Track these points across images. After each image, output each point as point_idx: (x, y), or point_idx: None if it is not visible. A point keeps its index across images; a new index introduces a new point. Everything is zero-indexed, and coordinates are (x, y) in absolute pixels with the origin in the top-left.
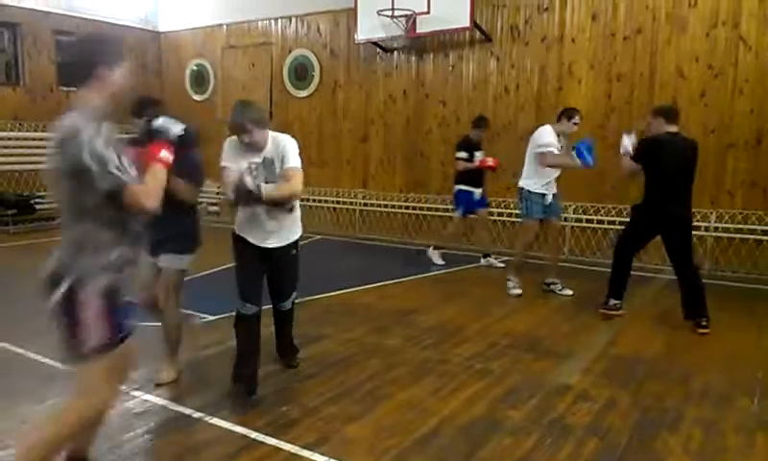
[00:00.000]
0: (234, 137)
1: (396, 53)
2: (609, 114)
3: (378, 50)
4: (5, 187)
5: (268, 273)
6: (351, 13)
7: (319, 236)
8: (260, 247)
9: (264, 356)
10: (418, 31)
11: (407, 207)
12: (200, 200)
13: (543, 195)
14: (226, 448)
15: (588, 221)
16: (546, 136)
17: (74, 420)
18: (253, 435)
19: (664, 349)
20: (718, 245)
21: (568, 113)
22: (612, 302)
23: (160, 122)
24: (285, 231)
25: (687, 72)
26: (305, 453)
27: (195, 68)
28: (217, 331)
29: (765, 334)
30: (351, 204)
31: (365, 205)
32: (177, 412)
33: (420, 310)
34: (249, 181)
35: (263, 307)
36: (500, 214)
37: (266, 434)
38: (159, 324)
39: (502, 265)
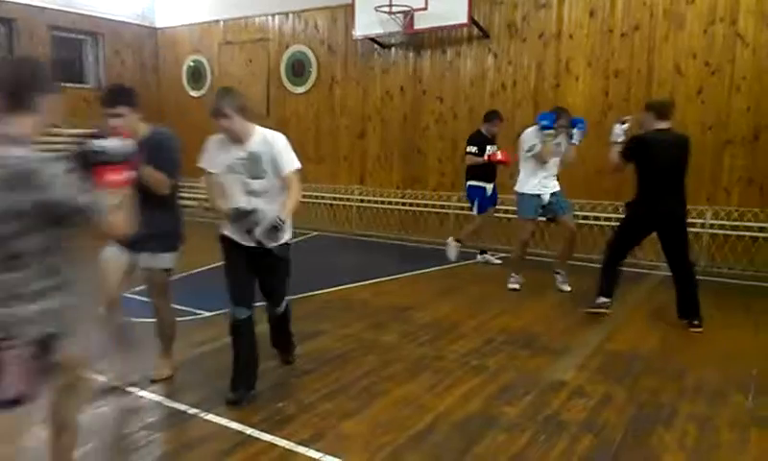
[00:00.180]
0: (216, 136)
1: (393, 49)
2: (606, 111)
3: (376, 46)
4: None
5: (258, 274)
6: (349, 9)
7: (316, 233)
8: (248, 247)
9: (260, 352)
10: (415, 27)
11: (404, 204)
12: (181, 194)
13: (538, 195)
14: (221, 444)
15: (584, 218)
16: (529, 140)
17: None
18: (249, 431)
19: (660, 345)
20: (714, 242)
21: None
22: (602, 300)
23: (104, 144)
24: None
25: (685, 69)
26: (301, 449)
27: (192, 64)
28: (213, 328)
29: (761, 331)
30: (348, 200)
31: (362, 201)
32: (172, 408)
33: (417, 307)
34: (244, 202)
35: (258, 304)
36: (496, 211)
37: (261, 430)
38: (154, 320)
39: (499, 262)
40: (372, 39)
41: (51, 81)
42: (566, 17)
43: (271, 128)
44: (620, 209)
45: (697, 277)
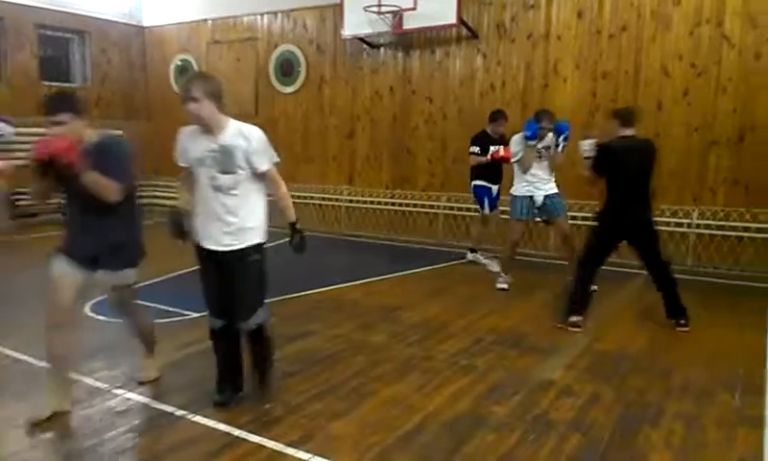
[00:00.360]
0: (188, 127)
1: (382, 49)
2: (594, 112)
3: (365, 46)
4: None
5: (226, 282)
6: (338, 9)
7: (305, 233)
8: (214, 252)
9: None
10: (404, 27)
11: (393, 204)
12: (140, 201)
13: (530, 197)
14: (208, 445)
15: (572, 218)
16: (515, 146)
17: None
18: (236, 433)
19: (647, 344)
20: (700, 241)
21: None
22: (575, 318)
23: None
24: (239, 232)
25: (671, 70)
26: (289, 451)
27: (180, 63)
28: (200, 329)
29: (746, 330)
30: (337, 200)
31: (351, 201)
32: (159, 410)
33: (406, 307)
34: (211, 198)
35: None
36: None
37: (249, 432)
38: (132, 327)
39: (487, 262)
40: (362, 39)
41: None
42: (555, 18)
43: (259, 127)
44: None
45: (675, 275)
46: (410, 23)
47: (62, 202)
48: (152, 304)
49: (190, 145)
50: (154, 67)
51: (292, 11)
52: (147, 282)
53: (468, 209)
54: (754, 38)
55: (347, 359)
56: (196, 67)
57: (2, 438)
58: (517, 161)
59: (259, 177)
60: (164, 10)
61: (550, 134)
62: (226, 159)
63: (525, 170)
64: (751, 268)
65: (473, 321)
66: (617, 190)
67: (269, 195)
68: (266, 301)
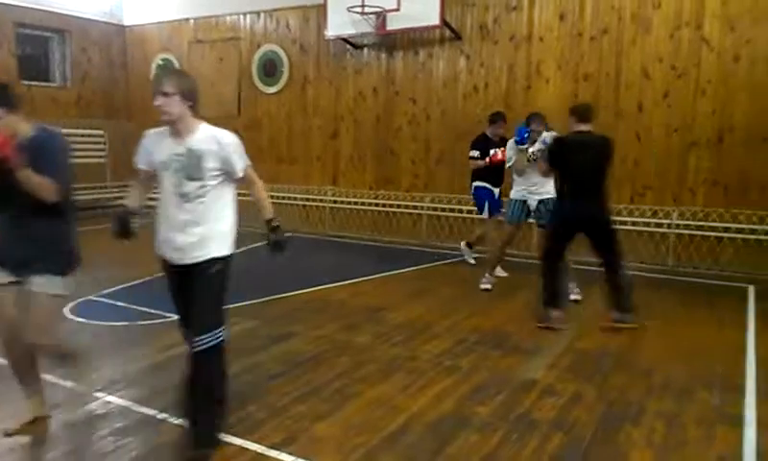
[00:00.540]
0: (153, 130)
1: (366, 50)
2: None
3: (348, 46)
4: None
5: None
6: (321, 9)
7: (288, 234)
8: (172, 263)
9: (230, 356)
10: (387, 28)
11: (377, 205)
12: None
13: (523, 201)
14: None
15: None
16: (508, 151)
17: None
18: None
19: (628, 342)
20: (680, 242)
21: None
22: (554, 313)
23: None
24: (202, 242)
25: (652, 72)
26: (272, 453)
27: (161, 63)
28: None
29: (726, 329)
30: (321, 201)
31: (335, 202)
32: (141, 413)
33: (390, 307)
34: (174, 205)
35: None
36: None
37: (232, 434)
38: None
39: (473, 262)
40: (345, 40)
41: None
42: (537, 20)
43: (241, 128)
44: None
45: (631, 272)
46: (393, 24)
47: None
48: (134, 307)
49: (155, 148)
50: (135, 67)
51: (275, 10)
52: (129, 284)
53: (452, 210)
54: (732, 41)
55: (330, 360)
56: (177, 67)
57: None
58: (511, 166)
59: (234, 183)
60: (145, 9)
61: (545, 136)
62: (192, 165)
63: (519, 174)
64: (730, 268)
65: (457, 321)
66: (569, 183)
67: (247, 195)
68: (224, 324)
